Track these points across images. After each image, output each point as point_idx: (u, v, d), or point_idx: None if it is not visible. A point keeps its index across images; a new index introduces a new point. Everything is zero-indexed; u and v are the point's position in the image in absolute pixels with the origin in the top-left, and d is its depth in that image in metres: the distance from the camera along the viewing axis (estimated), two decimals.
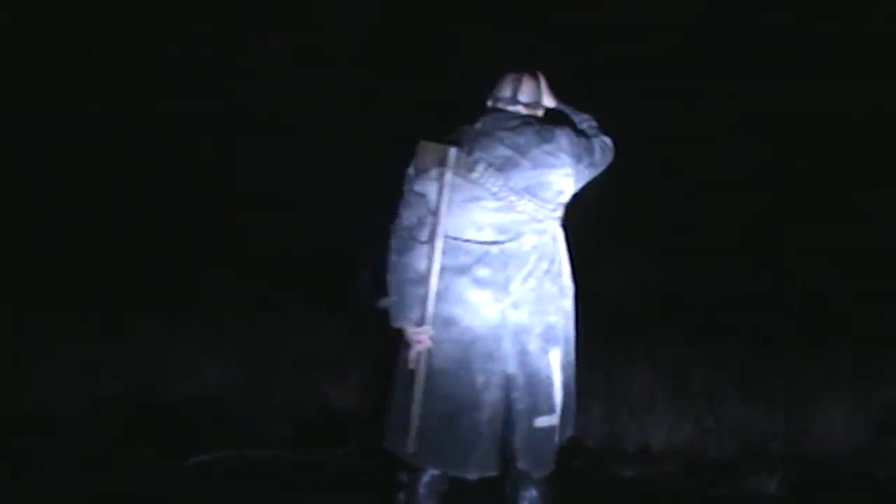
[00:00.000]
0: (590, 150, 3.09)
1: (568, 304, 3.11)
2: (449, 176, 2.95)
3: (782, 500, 3.91)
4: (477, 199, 2.97)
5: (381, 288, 3.11)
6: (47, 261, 7.47)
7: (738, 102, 7.86)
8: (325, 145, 8.17)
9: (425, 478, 3.09)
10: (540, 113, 3.13)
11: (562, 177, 3.01)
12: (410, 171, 3.03)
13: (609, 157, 3.17)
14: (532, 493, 3.09)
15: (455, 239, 2.99)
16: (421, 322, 3.00)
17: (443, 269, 2.99)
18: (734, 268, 7.52)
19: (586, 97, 3.23)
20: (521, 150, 2.98)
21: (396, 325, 3.06)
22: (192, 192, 8.22)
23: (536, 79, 3.13)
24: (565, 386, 3.08)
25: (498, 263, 2.98)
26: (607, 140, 3.17)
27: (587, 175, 3.10)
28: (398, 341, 3.12)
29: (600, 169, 3.15)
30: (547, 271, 3.03)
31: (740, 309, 6.85)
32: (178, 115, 8.14)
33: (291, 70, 8.35)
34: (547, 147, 2.99)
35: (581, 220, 3.24)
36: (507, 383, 3.02)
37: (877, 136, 7.69)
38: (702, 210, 8.09)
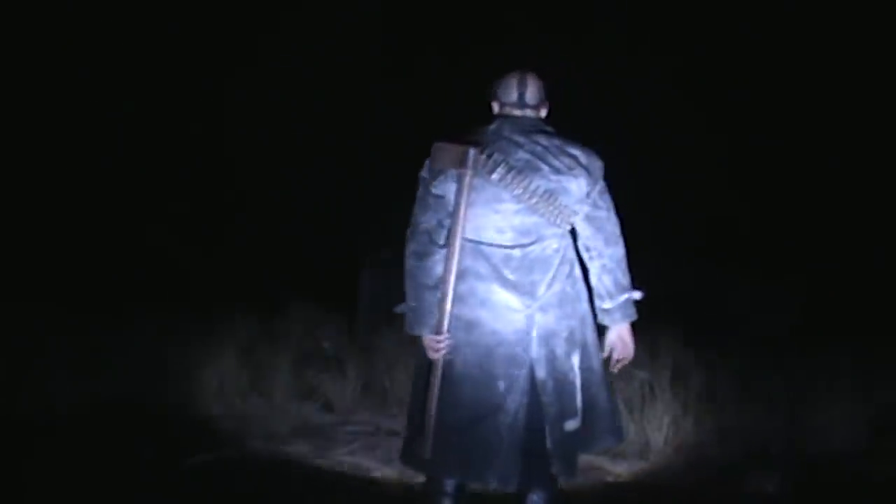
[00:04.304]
0: (599, 184, 3.05)
1: (584, 307, 3.08)
2: (469, 177, 2.88)
3: (782, 500, 3.91)
4: (498, 200, 2.93)
5: (384, 289, 3.08)
6: (47, 260, 7.48)
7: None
8: (326, 147, 8.17)
9: (447, 489, 3.03)
10: (544, 113, 3.10)
11: (579, 186, 2.98)
12: (424, 174, 2.99)
13: (610, 203, 3.09)
14: (542, 496, 3.05)
15: (477, 242, 2.95)
16: (439, 329, 2.94)
17: (465, 272, 2.94)
18: (734, 268, 7.53)
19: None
20: (540, 156, 2.96)
21: (414, 332, 3.00)
22: (192, 192, 8.23)
23: (538, 79, 3.09)
24: (587, 389, 3.03)
25: (524, 268, 2.95)
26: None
27: (593, 203, 3.03)
28: (419, 349, 3.05)
29: (602, 210, 3.05)
30: (568, 275, 3.02)
31: (740, 309, 6.86)
32: (180, 114, 8.14)
33: (294, 68, 8.36)
34: (565, 158, 2.97)
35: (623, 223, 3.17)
36: (534, 388, 2.97)
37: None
38: (701, 210, 8.09)
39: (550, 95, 3.16)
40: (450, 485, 3.03)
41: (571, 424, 2.99)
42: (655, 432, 4.43)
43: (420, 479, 3.68)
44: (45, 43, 8.09)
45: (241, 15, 8.15)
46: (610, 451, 4.45)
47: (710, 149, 7.98)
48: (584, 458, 4.33)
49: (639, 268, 3.16)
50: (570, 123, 3.24)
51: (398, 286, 3.09)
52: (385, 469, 4.11)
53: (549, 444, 2.97)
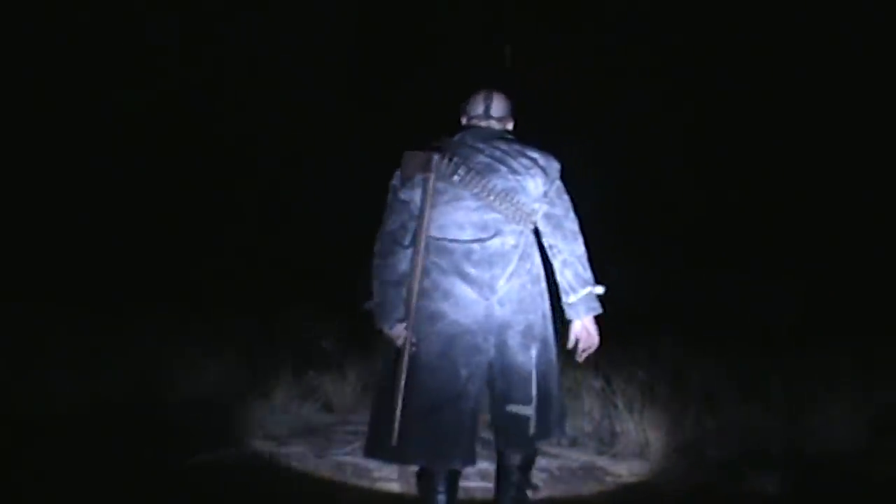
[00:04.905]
0: (556, 183, 3.22)
1: (546, 304, 3.23)
2: (432, 180, 3.10)
3: (782, 500, 3.91)
4: (458, 199, 3.13)
5: (368, 290, 3.19)
6: (48, 261, 7.48)
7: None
8: (325, 148, 8.18)
9: (439, 487, 3.15)
10: (509, 126, 3.31)
11: (536, 185, 3.17)
12: (395, 182, 3.19)
13: (570, 207, 3.24)
14: (513, 460, 3.23)
15: (440, 239, 3.14)
16: (407, 322, 3.11)
17: (430, 268, 3.14)
18: (733, 268, 7.53)
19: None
20: (499, 159, 3.16)
21: (379, 326, 3.18)
22: (193, 193, 8.23)
23: (504, 95, 3.30)
24: (543, 382, 3.17)
25: (484, 262, 3.13)
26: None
27: (550, 202, 3.19)
28: (383, 345, 3.23)
29: (559, 208, 3.21)
30: (529, 272, 3.19)
31: (740, 309, 6.86)
32: (180, 115, 8.15)
33: (294, 69, 8.36)
34: (523, 160, 3.17)
35: (582, 221, 3.28)
36: (490, 374, 3.15)
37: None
38: (701, 210, 8.10)
39: (537, 102, 3.26)
40: (441, 483, 3.15)
41: (516, 408, 3.13)
42: (655, 432, 4.43)
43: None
44: (45, 44, 8.10)
45: (238, 15, 8.16)
46: (610, 451, 4.46)
47: (711, 149, 7.98)
48: (584, 458, 4.37)
49: (639, 268, 3.17)
50: (560, 124, 3.29)
51: None
52: (385, 469, 4.11)
53: (493, 418, 3.16)
